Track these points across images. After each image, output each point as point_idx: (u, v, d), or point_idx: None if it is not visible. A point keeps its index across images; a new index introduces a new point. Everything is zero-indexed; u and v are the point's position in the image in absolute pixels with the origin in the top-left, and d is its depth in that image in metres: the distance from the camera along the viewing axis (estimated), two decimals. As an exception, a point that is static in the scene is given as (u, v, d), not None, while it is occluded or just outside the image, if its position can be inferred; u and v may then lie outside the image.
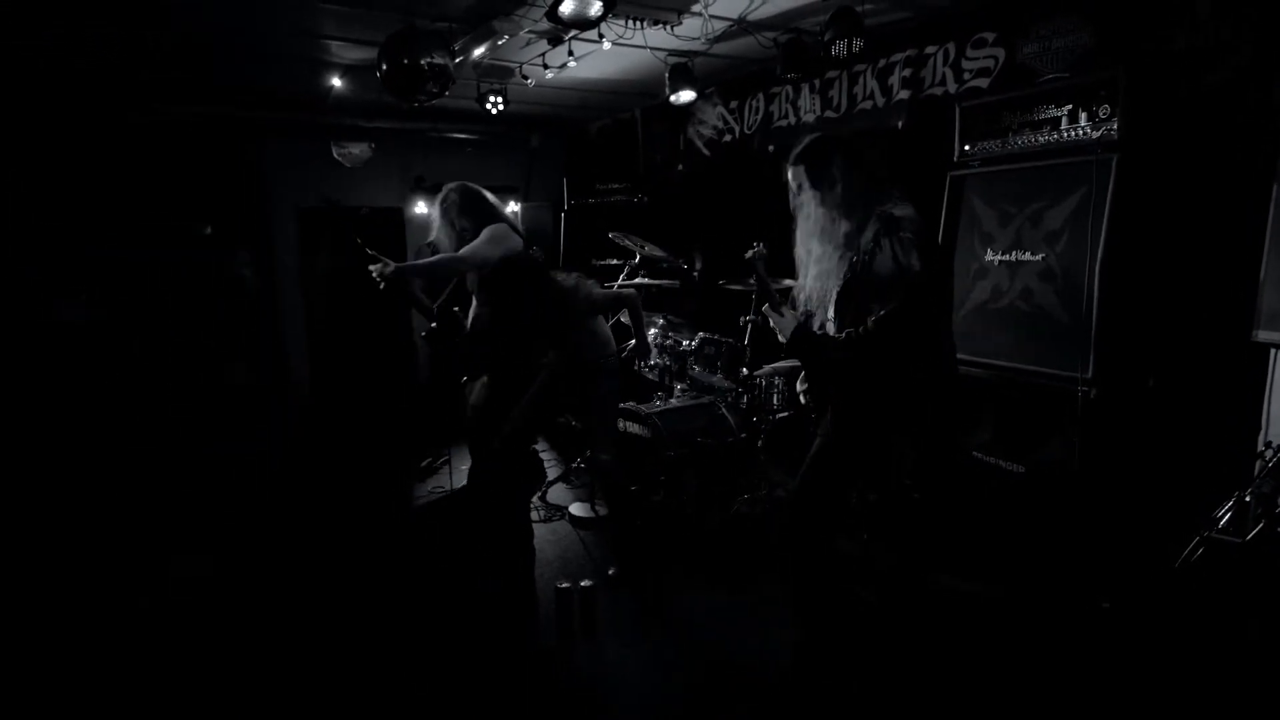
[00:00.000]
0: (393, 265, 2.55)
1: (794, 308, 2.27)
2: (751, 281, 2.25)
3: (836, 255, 2.10)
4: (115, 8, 3.12)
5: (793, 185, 2.19)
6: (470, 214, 2.75)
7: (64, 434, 4.37)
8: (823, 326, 2.21)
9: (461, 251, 2.62)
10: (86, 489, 4.17)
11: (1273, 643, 1.99)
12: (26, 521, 3.82)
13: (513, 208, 3.48)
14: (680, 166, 5.43)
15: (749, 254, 2.28)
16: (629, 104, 5.55)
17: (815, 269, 2.17)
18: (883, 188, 2.09)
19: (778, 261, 2.43)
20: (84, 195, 4.66)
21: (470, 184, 2.86)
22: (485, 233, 2.66)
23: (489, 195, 2.85)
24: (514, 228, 2.78)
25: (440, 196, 2.86)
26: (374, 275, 2.55)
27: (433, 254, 2.84)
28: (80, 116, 4.59)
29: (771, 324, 2.26)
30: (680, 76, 3.96)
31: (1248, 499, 2.17)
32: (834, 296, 2.12)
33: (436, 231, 2.86)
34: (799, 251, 2.23)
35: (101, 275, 4.69)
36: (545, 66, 3.97)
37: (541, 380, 2.79)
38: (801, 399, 2.49)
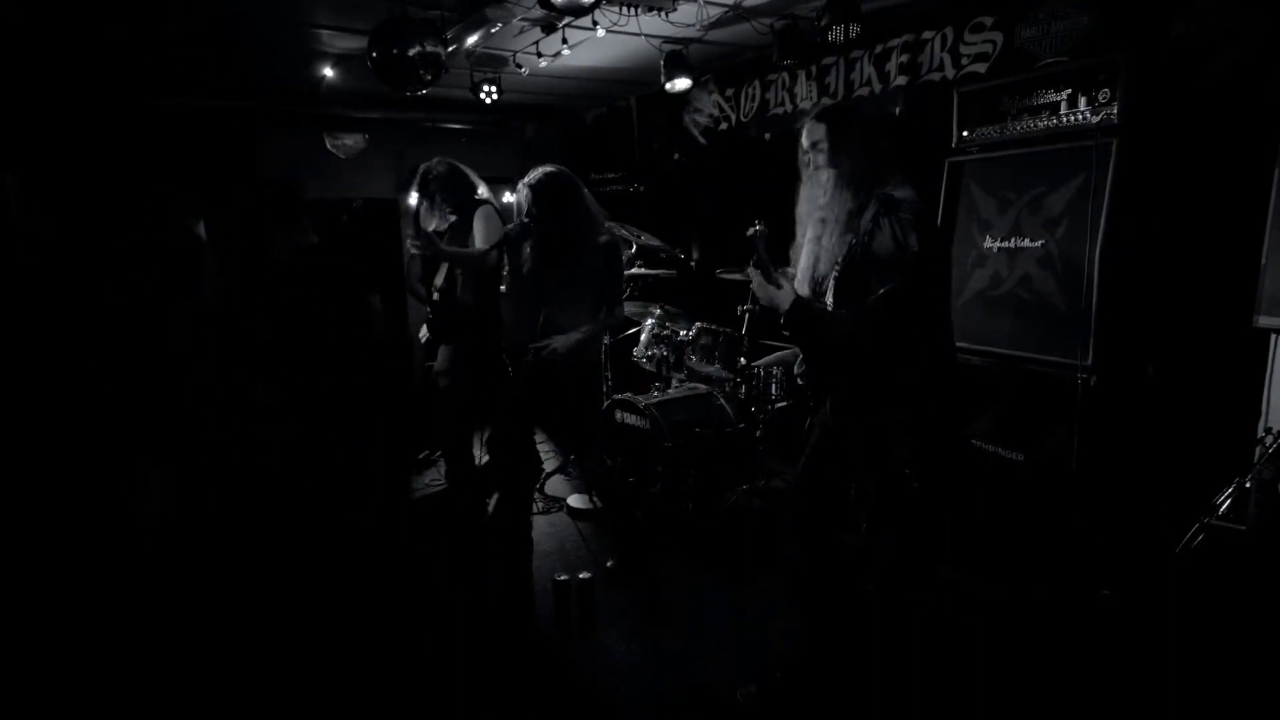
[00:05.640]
0: (435, 246, 2.80)
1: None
2: (751, 265, 2.23)
3: (836, 234, 2.08)
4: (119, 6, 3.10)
5: (807, 143, 2.16)
6: (456, 192, 2.84)
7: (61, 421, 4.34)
8: None
9: (484, 246, 2.72)
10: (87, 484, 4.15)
11: (1274, 629, 1.98)
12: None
13: (508, 198, 3.46)
14: (676, 155, 5.39)
15: (750, 232, 2.25)
16: (624, 92, 5.50)
17: (812, 242, 2.15)
18: (886, 171, 2.09)
19: (774, 250, 2.41)
20: (79, 190, 4.61)
21: (452, 160, 2.95)
22: (480, 221, 2.70)
23: (470, 172, 2.94)
24: (494, 206, 2.83)
25: (423, 170, 2.90)
26: (414, 248, 2.82)
27: (418, 236, 2.87)
28: (73, 112, 4.54)
29: (766, 297, 2.19)
30: (675, 64, 3.92)
31: (1248, 485, 2.16)
32: (832, 283, 2.10)
33: (415, 204, 2.97)
34: (800, 211, 2.22)
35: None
36: (539, 55, 3.93)
37: (518, 381, 2.83)
38: (799, 381, 2.47)
